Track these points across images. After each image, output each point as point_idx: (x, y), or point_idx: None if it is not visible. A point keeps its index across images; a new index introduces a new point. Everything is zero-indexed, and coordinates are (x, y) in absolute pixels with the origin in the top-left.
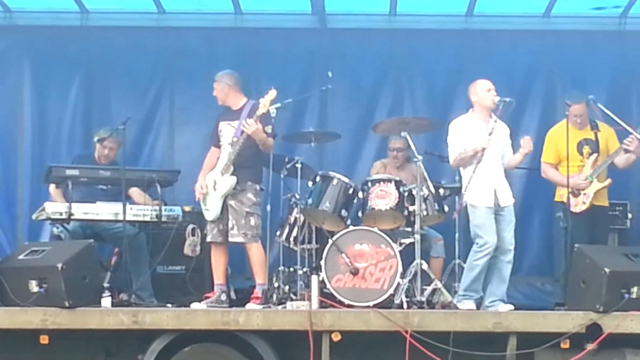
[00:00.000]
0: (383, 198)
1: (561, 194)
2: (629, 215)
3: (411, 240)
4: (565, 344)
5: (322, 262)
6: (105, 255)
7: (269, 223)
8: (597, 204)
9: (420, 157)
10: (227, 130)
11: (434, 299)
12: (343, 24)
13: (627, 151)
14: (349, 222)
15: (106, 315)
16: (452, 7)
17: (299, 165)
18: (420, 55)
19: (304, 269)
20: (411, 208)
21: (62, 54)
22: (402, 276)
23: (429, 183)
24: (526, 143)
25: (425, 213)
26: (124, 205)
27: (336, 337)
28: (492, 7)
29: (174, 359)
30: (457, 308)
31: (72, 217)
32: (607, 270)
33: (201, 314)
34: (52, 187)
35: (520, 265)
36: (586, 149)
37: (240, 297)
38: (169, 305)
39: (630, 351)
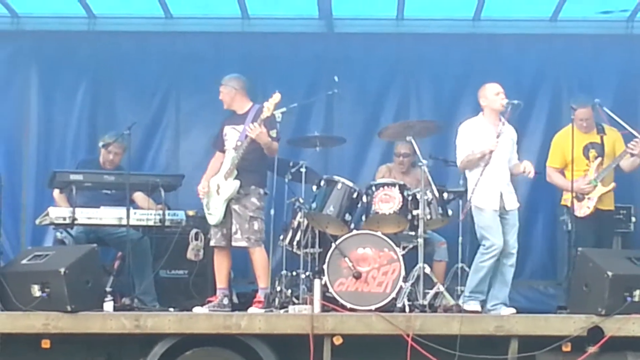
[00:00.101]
0: (387, 202)
1: (566, 198)
2: (633, 219)
3: (414, 244)
4: (567, 347)
5: (325, 266)
6: (108, 259)
7: (272, 227)
8: (604, 207)
9: (425, 162)
10: (232, 135)
11: (436, 302)
12: (350, 28)
13: (632, 155)
14: (352, 226)
15: (108, 319)
16: (459, 11)
17: (303, 170)
18: (428, 60)
19: (307, 273)
20: (415, 212)
21: (69, 59)
22: (405, 280)
23: (433, 187)
24: (527, 167)
25: (429, 217)
26: (128, 210)
27: (337, 341)
28: (499, 11)
29: None
30: (461, 311)
31: (76, 222)
32: (609, 273)
33: (203, 318)
34: (56, 192)
35: (523, 268)
36: (592, 153)
37: (243, 301)
38: (172, 309)
39: (632, 354)
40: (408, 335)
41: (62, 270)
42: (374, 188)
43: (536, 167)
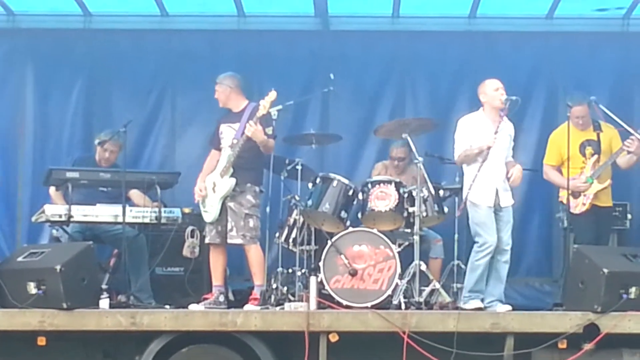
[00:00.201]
0: (383, 199)
1: (563, 195)
2: (629, 216)
3: (410, 241)
4: (563, 344)
5: (321, 263)
6: (104, 256)
7: (268, 224)
8: (601, 204)
9: (420, 159)
10: (228, 133)
11: (432, 299)
12: (346, 26)
13: (628, 152)
14: (348, 223)
15: (104, 316)
16: (455, 9)
17: (299, 167)
18: (423, 57)
19: (303, 270)
20: (411, 209)
21: (64, 57)
22: (401, 277)
23: (429, 184)
24: (514, 176)
25: (424, 214)
26: (124, 208)
27: (333, 338)
28: (495, 8)
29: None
30: (457, 309)
31: (72, 220)
32: (605, 270)
33: (199, 315)
34: (52, 189)
35: (519, 265)
36: (589, 150)
37: (239, 299)
38: (167, 306)
39: (628, 351)
40: (404, 333)
41: (58, 267)
42: (369, 185)
43: (531, 164)
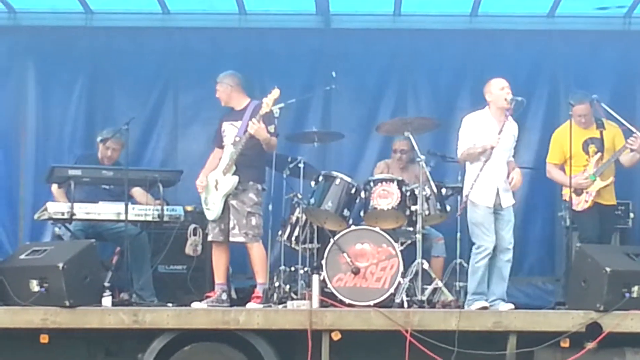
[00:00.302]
0: (385, 198)
1: (566, 193)
2: (631, 215)
3: (412, 239)
4: (565, 343)
5: (324, 262)
6: (107, 254)
7: (270, 222)
8: (605, 202)
9: (423, 157)
10: (230, 131)
11: (434, 298)
12: (347, 24)
13: (631, 150)
14: (350, 221)
15: (106, 314)
16: (457, 7)
17: (301, 165)
18: (425, 56)
19: (305, 269)
20: (413, 208)
21: (66, 55)
22: (403, 275)
23: (432, 183)
24: (514, 180)
25: (427, 213)
26: (126, 205)
27: (336, 336)
28: (497, 7)
29: (174, 357)
30: (458, 307)
31: (74, 217)
32: (608, 269)
33: (202, 313)
34: (54, 187)
35: (522, 264)
36: (592, 148)
37: (241, 297)
38: (170, 304)
39: (630, 350)
40: (406, 331)
41: (61, 265)
42: (372, 184)
43: (533, 162)
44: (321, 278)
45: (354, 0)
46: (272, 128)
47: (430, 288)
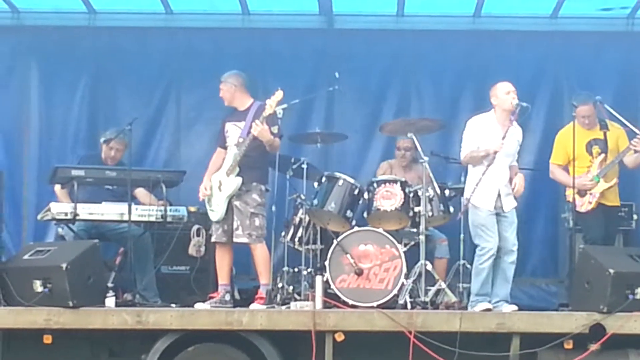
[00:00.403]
0: (388, 199)
1: (569, 194)
2: (635, 217)
3: (416, 241)
4: (569, 345)
5: (327, 263)
6: (110, 255)
7: (274, 223)
8: (609, 203)
9: (426, 158)
10: (233, 131)
11: (437, 299)
12: (350, 24)
13: (635, 151)
14: (354, 222)
15: (110, 315)
16: (460, 8)
17: (304, 166)
18: (428, 56)
19: (309, 270)
20: (416, 209)
21: (69, 55)
22: (407, 277)
23: (435, 184)
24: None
25: (430, 214)
26: (129, 206)
27: (339, 337)
28: (500, 8)
29: (178, 358)
30: (461, 309)
31: (77, 218)
32: (611, 271)
33: (205, 314)
34: (57, 187)
35: (525, 266)
36: (595, 149)
37: (245, 298)
38: (173, 305)
39: (634, 352)
40: (410, 332)
41: (64, 265)
42: (375, 185)
43: (536, 163)
44: (324, 279)
45: (357, 0)
46: (275, 129)
47: (433, 289)
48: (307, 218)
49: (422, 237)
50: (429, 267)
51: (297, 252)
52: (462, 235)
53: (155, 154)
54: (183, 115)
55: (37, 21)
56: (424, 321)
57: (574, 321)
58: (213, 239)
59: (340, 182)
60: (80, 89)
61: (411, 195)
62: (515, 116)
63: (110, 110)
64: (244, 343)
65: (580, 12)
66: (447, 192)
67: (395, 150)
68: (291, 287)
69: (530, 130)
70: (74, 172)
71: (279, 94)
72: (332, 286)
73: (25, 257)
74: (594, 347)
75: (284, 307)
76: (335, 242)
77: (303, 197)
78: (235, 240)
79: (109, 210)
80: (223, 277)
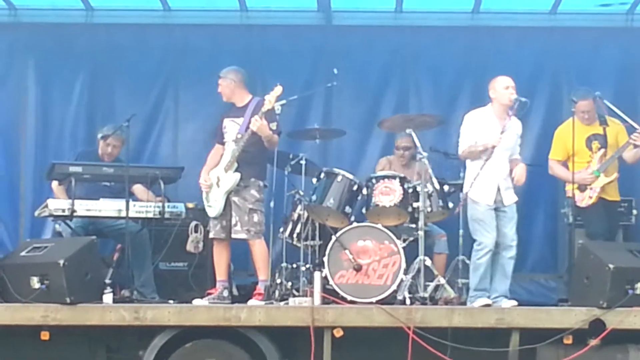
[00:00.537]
0: (387, 194)
1: (569, 189)
2: (634, 212)
3: (415, 236)
4: (568, 340)
5: (325, 259)
6: (108, 251)
7: (272, 219)
8: (610, 198)
9: (425, 154)
10: (231, 127)
11: (437, 295)
12: (349, 21)
13: (635, 146)
14: (352, 218)
15: (107, 311)
16: (458, 4)
17: (303, 162)
18: (426, 53)
19: (307, 266)
20: (415, 205)
21: (66, 52)
22: (405, 272)
23: (434, 180)
24: (517, 175)
25: (429, 210)
26: (127, 202)
27: (338, 333)
28: (499, 4)
29: (176, 354)
30: (460, 304)
31: (75, 214)
32: (611, 266)
33: (203, 310)
34: (54, 183)
35: (524, 261)
36: (595, 144)
37: (243, 294)
38: (171, 301)
39: (634, 347)
40: (409, 328)
41: (61, 262)
42: (374, 180)
43: (535, 159)
44: (323, 275)
45: None
46: (274, 126)
47: (432, 285)
48: (306, 214)
49: (421, 233)
50: (428, 262)
51: (295, 248)
52: (461, 231)
53: (153, 150)
54: (181, 112)
55: (34, 18)
56: (422, 317)
57: (573, 316)
58: (211, 235)
59: (339, 178)
60: (77, 86)
61: (410, 191)
62: (514, 111)
63: (107, 107)
64: (242, 339)
65: (579, 8)
66: (446, 187)
67: (394, 150)
68: (290, 283)
69: (529, 125)
70: (72, 169)
71: (277, 90)
72: (331, 282)
73: (23, 253)
74: (593, 342)
75: (282, 303)
76: (334, 237)
77: (301, 193)
78: (233, 236)
79: (107, 207)
80: (221, 273)
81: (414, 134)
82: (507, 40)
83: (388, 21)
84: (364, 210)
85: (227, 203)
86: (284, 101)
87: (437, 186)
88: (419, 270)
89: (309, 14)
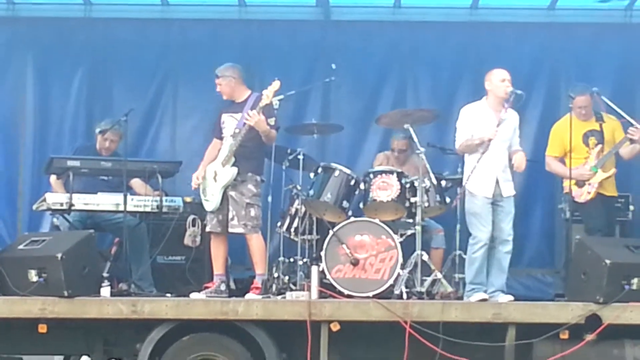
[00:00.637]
0: (385, 189)
1: (566, 185)
2: (631, 207)
3: (412, 231)
4: (565, 335)
5: (323, 253)
6: (105, 245)
7: (270, 214)
8: (607, 194)
9: (422, 149)
10: (230, 122)
11: (433, 289)
12: (347, 16)
13: (632, 141)
14: (350, 213)
15: (105, 304)
16: None
17: (300, 157)
18: (425, 48)
19: (304, 260)
20: (413, 199)
21: (65, 46)
22: (402, 267)
23: (431, 175)
24: (517, 162)
25: (426, 204)
26: (125, 196)
27: (335, 327)
28: None
29: (173, 348)
30: (457, 299)
31: (73, 208)
32: (607, 261)
33: (200, 304)
34: (53, 178)
35: (521, 256)
36: (592, 140)
37: (240, 288)
38: (169, 295)
39: (630, 342)
40: (406, 322)
41: (59, 255)
42: (371, 175)
43: (533, 155)
44: (320, 269)
45: None
46: (272, 121)
47: (429, 279)
48: (303, 208)
49: (418, 228)
50: (425, 257)
51: (293, 243)
52: (458, 226)
53: (151, 144)
54: (179, 106)
55: (33, 12)
56: (419, 311)
57: (570, 311)
58: (208, 229)
59: (337, 172)
60: (76, 80)
61: (407, 186)
62: (510, 104)
63: (106, 102)
64: (239, 333)
65: (578, 4)
66: (443, 182)
67: (390, 150)
68: (287, 277)
69: (527, 121)
70: (70, 163)
71: (275, 84)
72: (328, 276)
73: (20, 247)
74: (589, 337)
75: (279, 297)
76: (331, 232)
77: (299, 187)
78: (230, 230)
79: (105, 201)
80: (218, 267)
81: (411, 130)
82: (506, 35)
83: (386, 16)
84: (361, 205)
85: (224, 197)
86: (281, 96)
87: (435, 181)
88: (416, 265)
89: (308, 9)
